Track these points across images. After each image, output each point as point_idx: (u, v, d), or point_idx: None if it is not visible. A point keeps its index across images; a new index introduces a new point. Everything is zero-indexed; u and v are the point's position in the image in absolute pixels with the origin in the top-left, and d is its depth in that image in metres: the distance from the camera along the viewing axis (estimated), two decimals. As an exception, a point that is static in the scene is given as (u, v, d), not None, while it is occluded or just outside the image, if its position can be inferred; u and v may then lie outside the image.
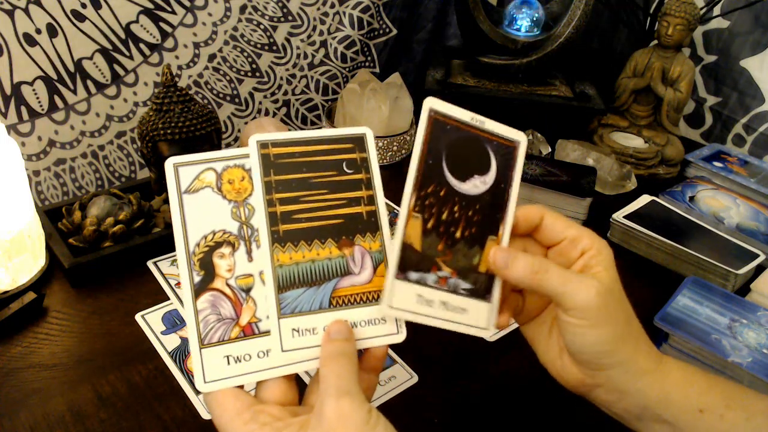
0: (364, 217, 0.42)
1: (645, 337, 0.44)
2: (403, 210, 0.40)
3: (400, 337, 0.41)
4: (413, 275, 0.40)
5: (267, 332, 0.40)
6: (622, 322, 0.42)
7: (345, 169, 0.42)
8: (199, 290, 0.39)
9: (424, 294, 0.40)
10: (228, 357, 0.39)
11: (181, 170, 0.40)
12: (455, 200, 0.41)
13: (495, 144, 0.43)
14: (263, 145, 0.41)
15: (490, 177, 0.43)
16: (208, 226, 0.40)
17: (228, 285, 0.40)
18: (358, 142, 0.43)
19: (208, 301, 0.39)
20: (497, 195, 0.43)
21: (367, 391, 0.40)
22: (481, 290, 0.42)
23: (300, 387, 0.40)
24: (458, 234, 0.41)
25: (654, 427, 0.44)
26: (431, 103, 0.40)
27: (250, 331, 0.40)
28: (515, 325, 0.65)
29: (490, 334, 0.43)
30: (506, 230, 0.43)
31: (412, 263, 0.40)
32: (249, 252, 0.40)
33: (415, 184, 0.40)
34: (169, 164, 0.40)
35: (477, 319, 0.42)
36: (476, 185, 0.42)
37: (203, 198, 0.40)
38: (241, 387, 0.39)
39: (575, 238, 0.43)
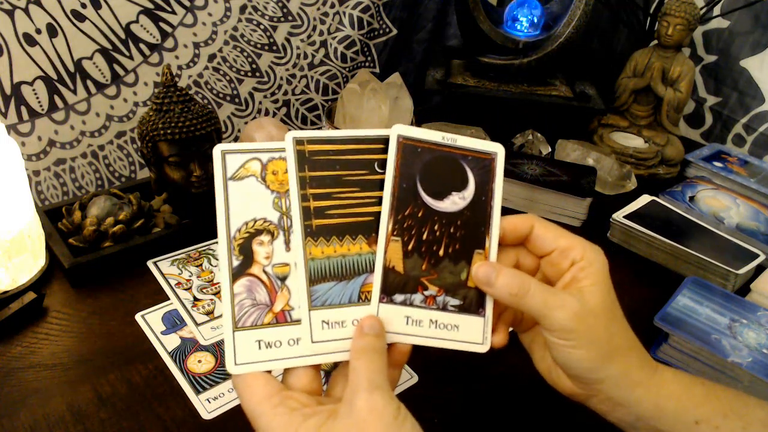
0: None
1: (638, 348, 0.44)
2: (381, 235, 0.41)
3: None
4: (399, 297, 0.41)
5: (299, 321, 0.41)
6: (605, 340, 0.41)
7: (376, 168, 0.42)
8: (236, 274, 0.40)
9: (412, 315, 0.42)
10: (259, 342, 0.40)
11: (228, 157, 0.41)
12: (435, 219, 0.42)
13: (470, 159, 0.43)
14: (299, 141, 0.42)
15: (469, 192, 0.43)
16: (250, 213, 0.41)
17: (265, 272, 0.41)
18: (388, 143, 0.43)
19: (244, 286, 0.40)
20: (478, 209, 0.43)
21: (390, 384, 0.40)
22: (472, 305, 0.42)
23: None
24: (441, 252, 0.42)
25: None
26: (399, 130, 0.42)
27: (282, 319, 0.41)
28: (515, 325, 0.65)
29: (486, 349, 0.42)
30: (493, 242, 0.43)
31: (396, 286, 0.41)
32: (287, 242, 0.41)
33: (390, 209, 0.42)
34: (217, 151, 0.41)
35: (470, 334, 0.42)
36: (455, 202, 0.43)
37: (247, 186, 0.41)
38: (269, 372, 0.40)
39: (566, 248, 0.43)
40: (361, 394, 0.36)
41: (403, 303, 0.41)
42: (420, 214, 0.42)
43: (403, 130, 0.42)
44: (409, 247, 0.42)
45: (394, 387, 0.41)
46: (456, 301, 0.42)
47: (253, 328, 0.40)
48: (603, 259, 0.43)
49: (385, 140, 0.43)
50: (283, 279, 0.41)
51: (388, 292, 0.41)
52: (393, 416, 0.36)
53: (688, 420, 0.42)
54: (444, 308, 0.42)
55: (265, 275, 0.41)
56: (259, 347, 0.40)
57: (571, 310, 0.40)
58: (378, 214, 0.42)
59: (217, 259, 0.70)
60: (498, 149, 0.44)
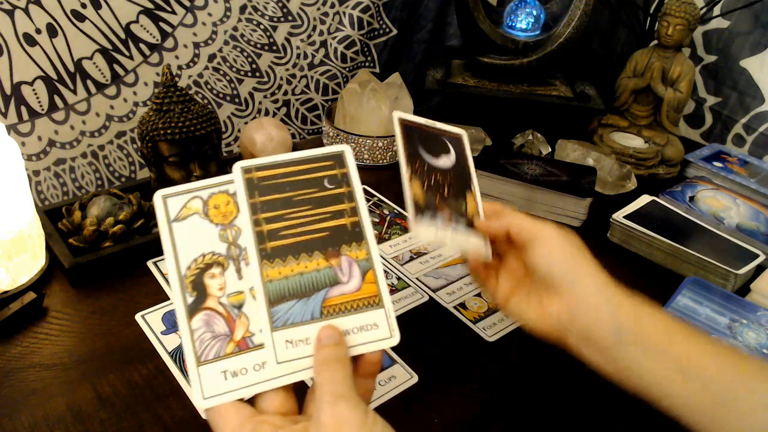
0: (348, 228, 0.44)
1: (604, 276, 0.49)
2: (404, 177, 0.49)
3: (394, 340, 0.42)
4: (427, 214, 0.51)
5: (261, 345, 0.41)
6: (578, 257, 0.49)
7: (326, 185, 0.44)
8: (192, 310, 0.41)
9: (438, 227, 0.52)
10: (225, 372, 0.40)
11: (169, 201, 0.42)
12: (435, 171, 0.53)
13: (447, 136, 0.57)
14: (246, 170, 0.43)
15: (452, 157, 0.56)
16: (197, 249, 0.42)
17: (220, 303, 0.41)
18: (338, 159, 0.45)
19: (202, 320, 0.41)
20: (461, 167, 0.56)
21: (365, 395, 0.40)
22: (470, 227, 0.55)
23: (299, 396, 0.41)
24: (446, 193, 0.54)
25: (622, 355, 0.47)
26: (399, 114, 0.53)
27: (244, 346, 0.41)
28: (515, 325, 0.65)
29: (486, 255, 0.54)
30: (476, 188, 0.56)
31: (422, 209, 0.51)
32: (238, 270, 0.42)
33: (406, 161, 0.51)
34: (158, 196, 0.42)
35: (477, 244, 0.54)
36: (445, 162, 0.55)
37: (191, 224, 0.42)
38: (241, 400, 0.40)
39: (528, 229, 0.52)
40: (324, 408, 0.36)
41: (431, 219, 0.51)
42: (425, 167, 0.52)
43: (401, 115, 0.52)
44: (425, 186, 0.52)
45: (369, 397, 0.41)
46: (462, 223, 0.54)
47: (216, 360, 0.40)
48: (569, 236, 0.51)
49: (333, 157, 0.45)
50: (239, 307, 0.42)
51: (419, 212, 0.51)
52: (360, 423, 0.35)
53: (612, 328, 0.47)
54: (456, 227, 0.53)
55: (221, 306, 0.41)
56: (225, 377, 0.40)
57: (548, 226, 0.50)
58: (333, 228, 0.43)
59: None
60: (462, 132, 0.54)
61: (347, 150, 0.46)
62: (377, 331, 0.42)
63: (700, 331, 0.47)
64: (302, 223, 0.43)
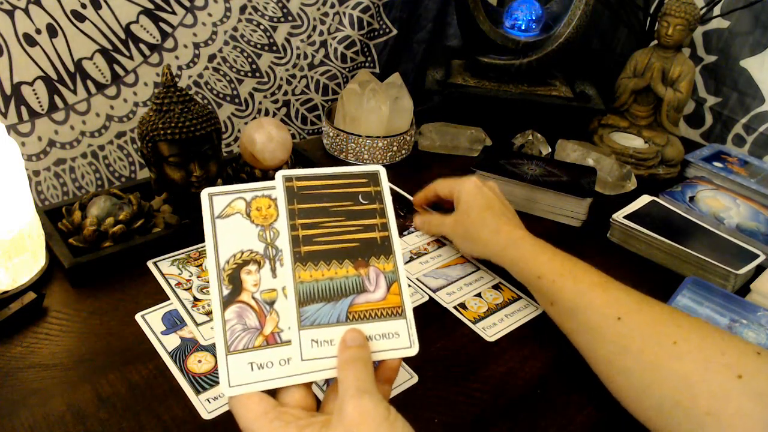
0: (378, 242, 0.47)
1: (507, 229, 0.66)
2: (394, 228, 0.49)
3: (413, 350, 0.45)
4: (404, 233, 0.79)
5: (288, 342, 0.43)
6: (476, 230, 0.68)
7: (360, 200, 0.48)
8: (227, 302, 0.43)
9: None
10: (252, 364, 0.42)
11: (215, 199, 0.46)
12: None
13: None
14: (288, 179, 0.47)
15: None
16: (237, 246, 0.45)
17: (254, 298, 0.44)
18: (372, 177, 0.49)
19: (234, 312, 0.43)
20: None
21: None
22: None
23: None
24: (401, 212, 0.81)
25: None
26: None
27: (272, 340, 0.43)
28: (515, 326, 0.65)
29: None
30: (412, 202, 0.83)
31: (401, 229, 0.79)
32: (273, 269, 0.45)
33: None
34: (205, 194, 0.45)
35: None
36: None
37: (234, 222, 0.45)
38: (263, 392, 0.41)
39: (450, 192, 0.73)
40: (349, 401, 0.37)
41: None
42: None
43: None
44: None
45: (387, 401, 0.42)
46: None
47: (245, 351, 0.42)
48: (471, 187, 0.70)
49: (368, 175, 0.49)
50: (271, 303, 0.44)
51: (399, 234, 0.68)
52: (384, 417, 0.37)
53: (532, 275, 0.62)
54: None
55: (254, 301, 0.44)
56: (252, 369, 0.42)
57: (449, 223, 0.72)
58: (363, 240, 0.47)
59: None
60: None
61: (382, 170, 0.49)
62: (398, 339, 0.45)
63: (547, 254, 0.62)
64: (335, 233, 0.46)
